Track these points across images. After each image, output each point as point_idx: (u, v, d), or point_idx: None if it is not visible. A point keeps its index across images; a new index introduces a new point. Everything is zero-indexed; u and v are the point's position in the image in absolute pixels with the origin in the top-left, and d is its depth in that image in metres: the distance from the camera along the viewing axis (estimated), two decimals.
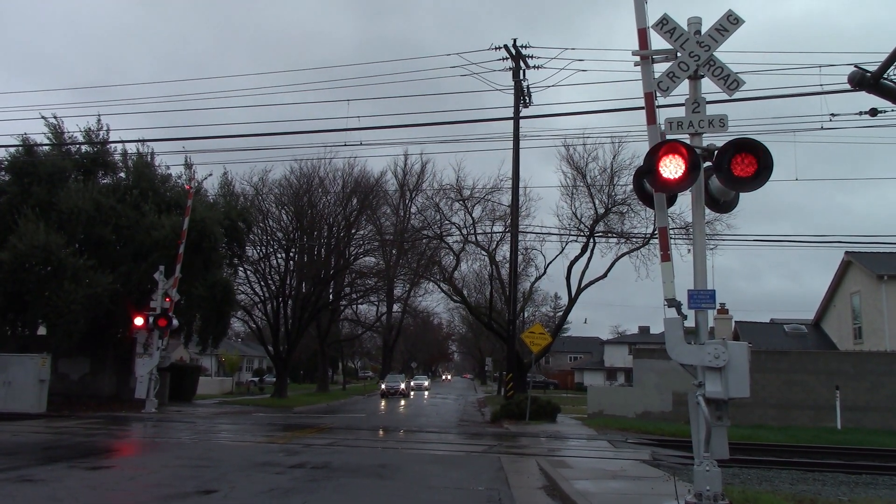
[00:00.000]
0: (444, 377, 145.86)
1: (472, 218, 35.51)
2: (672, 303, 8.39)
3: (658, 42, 8.95)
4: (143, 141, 31.78)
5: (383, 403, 43.32)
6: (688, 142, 8.43)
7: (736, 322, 41.08)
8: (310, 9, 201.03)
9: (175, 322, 27.41)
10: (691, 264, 8.52)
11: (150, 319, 26.50)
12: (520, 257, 32.67)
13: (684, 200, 24.32)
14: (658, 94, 8.82)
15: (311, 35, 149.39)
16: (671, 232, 34.73)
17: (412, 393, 59.97)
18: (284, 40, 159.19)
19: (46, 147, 30.47)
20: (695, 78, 8.74)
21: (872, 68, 7.71)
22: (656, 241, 34.77)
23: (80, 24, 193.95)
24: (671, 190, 8.53)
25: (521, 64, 28.83)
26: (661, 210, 8.72)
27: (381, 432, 21.78)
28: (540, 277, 39.80)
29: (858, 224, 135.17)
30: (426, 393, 65.05)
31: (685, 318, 8.39)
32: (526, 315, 53.92)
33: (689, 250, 30.91)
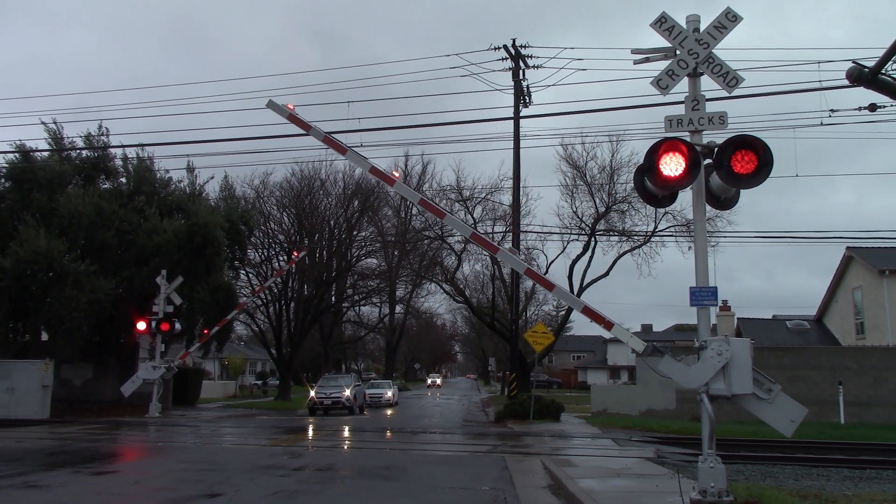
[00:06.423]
0: (429, 381, 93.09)
1: (473, 218, 35.57)
2: (646, 351, 8.52)
3: (657, 41, 8.96)
4: (143, 145, 31.79)
5: (311, 421, 27.33)
6: (688, 139, 8.44)
7: (738, 319, 41.06)
8: (268, 40, 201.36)
9: (178, 326, 27.45)
10: (692, 261, 8.55)
11: (153, 324, 26.56)
12: (521, 257, 32.63)
13: (685, 197, 24.29)
14: (658, 92, 8.85)
15: (278, 63, 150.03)
16: (672, 229, 34.06)
17: (366, 410, 35.46)
18: (253, 71, 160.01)
19: (46, 153, 30.49)
20: (694, 75, 8.74)
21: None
22: (658, 239, 34.29)
23: (52, 63, 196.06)
24: (672, 188, 8.55)
25: (521, 64, 28.84)
26: (567, 297, 9.03)
27: (385, 433, 21.80)
28: None
29: (801, 223, 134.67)
30: (390, 411, 36.55)
31: (665, 353, 8.47)
32: (528, 314, 53.97)
33: (689, 248, 31.11)
